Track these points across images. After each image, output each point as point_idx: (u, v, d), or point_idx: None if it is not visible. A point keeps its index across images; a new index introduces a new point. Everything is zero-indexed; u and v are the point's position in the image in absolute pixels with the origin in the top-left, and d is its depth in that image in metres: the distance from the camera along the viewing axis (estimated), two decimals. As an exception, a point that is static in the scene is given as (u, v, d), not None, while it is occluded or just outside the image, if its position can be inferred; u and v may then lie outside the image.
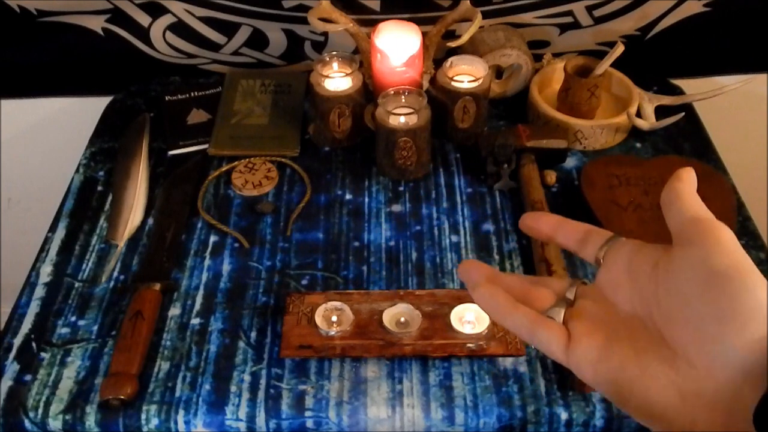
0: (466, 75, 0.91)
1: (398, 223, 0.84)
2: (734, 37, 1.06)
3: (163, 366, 0.70)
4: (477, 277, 0.42)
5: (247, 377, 0.69)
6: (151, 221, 0.86)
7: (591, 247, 0.41)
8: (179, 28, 1.02)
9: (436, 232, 0.83)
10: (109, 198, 0.89)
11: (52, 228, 0.85)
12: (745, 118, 1.18)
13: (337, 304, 0.72)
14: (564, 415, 0.65)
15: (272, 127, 0.97)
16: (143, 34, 1.03)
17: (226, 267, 0.80)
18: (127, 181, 0.89)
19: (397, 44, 0.88)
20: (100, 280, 0.79)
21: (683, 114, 0.93)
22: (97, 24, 1.02)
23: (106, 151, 0.96)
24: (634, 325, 0.37)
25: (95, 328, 0.74)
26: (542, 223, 0.43)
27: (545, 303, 0.40)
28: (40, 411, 0.66)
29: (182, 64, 1.08)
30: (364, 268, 0.79)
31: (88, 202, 0.89)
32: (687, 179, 0.39)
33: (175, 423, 0.66)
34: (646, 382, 0.34)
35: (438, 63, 0.94)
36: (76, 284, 0.79)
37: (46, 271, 0.80)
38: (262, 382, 0.68)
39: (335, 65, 0.92)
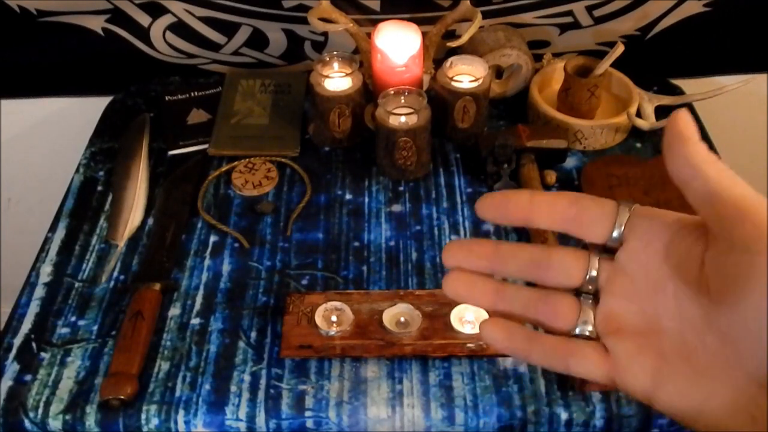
0: (466, 75, 0.91)
1: (398, 223, 0.84)
2: (734, 37, 1.06)
3: (163, 366, 0.70)
4: (479, 300, 0.35)
5: (247, 377, 0.69)
6: (151, 221, 0.86)
7: (594, 225, 0.33)
8: (179, 28, 1.02)
9: (436, 232, 0.83)
10: (109, 198, 0.89)
11: (52, 228, 0.85)
12: (745, 118, 1.18)
13: (337, 304, 0.72)
14: (564, 415, 0.65)
15: (272, 127, 0.97)
16: (143, 34, 1.03)
17: (226, 267, 0.80)
18: (127, 181, 0.89)
19: (397, 44, 0.88)
20: (100, 280, 0.79)
21: (683, 114, 0.93)
22: (97, 24, 1.02)
23: (106, 151, 0.96)
24: (686, 335, 0.30)
25: (95, 328, 0.74)
26: (510, 208, 0.34)
27: (568, 316, 0.34)
28: (40, 411, 0.66)
29: (182, 64, 1.08)
30: (364, 268, 0.79)
31: (88, 202, 0.89)
32: (689, 129, 0.30)
33: (175, 423, 0.66)
34: (713, 408, 0.30)
35: (438, 63, 0.93)
36: (76, 284, 0.79)
37: (46, 271, 0.80)
38: (262, 382, 0.68)
39: (335, 65, 0.92)
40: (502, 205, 0.34)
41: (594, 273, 0.33)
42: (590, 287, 0.34)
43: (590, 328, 0.33)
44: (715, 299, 0.29)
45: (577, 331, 0.33)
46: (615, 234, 0.32)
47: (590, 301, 0.34)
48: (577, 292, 0.34)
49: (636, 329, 0.32)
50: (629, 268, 0.32)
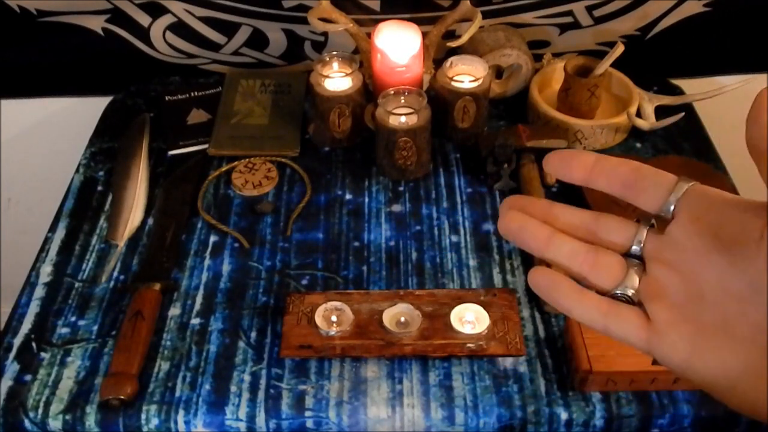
0: (466, 75, 0.91)
1: (398, 223, 0.84)
2: (734, 37, 1.06)
3: (163, 366, 0.70)
4: (529, 241, 0.35)
5: (247, 377, 0.69)
6: (151, 221, 0.86)
7: (650, 193, 0.33)
8: (179, 28, 1.02)
9: (436, 232, 0.83)
10: (109, 198, 0.89)
11: (52, 228, 0.85)
12: (745, 118, 1.17)
13: (337, 304, 0.72)
14: (564, 415, 0.65)
15: (272, 127, 0.97)
16: (143, 34, 1.03)
17: (226, 267, 0.80)
18: (127, 181, 0.89)
19: (397, 44, 0.88)
20: (100, 280, 0.79)
21: (683, 114, 0.93)
22: (97, 24, 1.02)
23: (106, 151, 0.96)
24: (728, 308, 0.31)
25: (95, 328, 0.74)
26: (574, 166, 0.35)
27: (613, 273, 0.34)
28: (40, 411, 0.66)
29: (182, 64, 1.08)
30: (364, 268, 0.79)
31: (88, 202, 0.89)
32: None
33: (175, 423, 0.66)
34: (751, 382, 0.30)
35: (438, 63, 0.93)
36: (76, 284, 0.79)
37: (46, 271, 0.80)
38: (262, 382, 0.68)
39: (335, 65, 0.92)
40: (566, 162, 0.35)
41: (641, 241, 0.34)
42: (636, 254, 0.34)
43: (632, 291, 0.34)
44: None
45: (619, 291, 0.34)
46: (669, 205, 0.33)
47: (635, 267, 0.34)
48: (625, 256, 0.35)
49: (678, 298, 0.32)
50: (678, 240, 0.33)
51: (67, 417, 0.66)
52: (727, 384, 0.31)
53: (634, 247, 0.34)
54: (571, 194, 0.86)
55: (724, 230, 0.31)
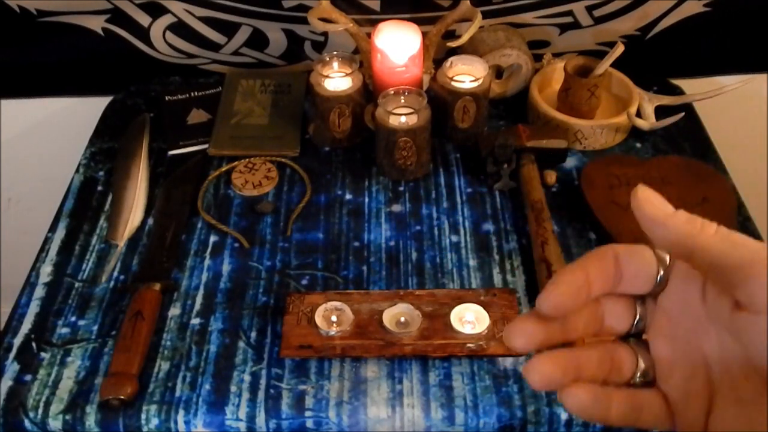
0: (466, 75, 0.91)
1: (398, 223, 0.84)
2: (734, 37, 1.06)
3: (163, 366, 0.70)
4: (560, 376, 0.33)
5: (247, 377, 0.69)
6: (151, 221, 0.86)
7: (639, 278, 0.33)
8: (179, 28, 1.02)
9: (436, 232, 0.83)
10: (109, 198, 0.89)
11: (52, 228, 0.85)
12: (745, 118, 1.18)
13: (337, 304, 0.72)
14: (564, 415, 0.65)
15: (272, 127, 0.97)
16: (143, 34, 1.03)
17: (226, 267, 0.80)
18: (127, 181, 0.89)
19: (397, 44, 0.88)
20: (100, 280, 0.79)
21: (683, 114, 0.93)
22: (97, 24, 1.02)
23: (106, 151, 0.96)
24: (731, 370, 0.31)
25: (95, 328, 0.74)
26: (570, 301, 0.32)
27: (627, 364, 0.34)
28: (40, 411, 0.66)
29: (182, 64, 1.08)
30: (364, 268, 0.79)
31: (88, 202, 0.89)
32: (651, 201, 0.32)
33: (175, 423, 0.66)
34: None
35: (438, 63, 0.93)
36: (76, 284, 0.79)
37: (46, 271, 0.80)
38: (262, 382, 0.68)
39: (335, 65, 0.92)
40: (565, 303, 0.32)
41: (639, 318, 0.34)
42: (638, 330, 0.34)
43: (650, 374, 0.33)
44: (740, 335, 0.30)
45: (637, 379, 0.33)
46: (658, 280, 0.32)
47: (643, 348, 0.34)
48: (625, 337, 0.34)
49: (686, 369, 0.32)
50: (671, 310, 0.33)
51: (67, 417, 0.66)
52: None
53: (635, 324, 0.34)
54: (570, 194, 0.86)
55: (707, 298, 0.31)
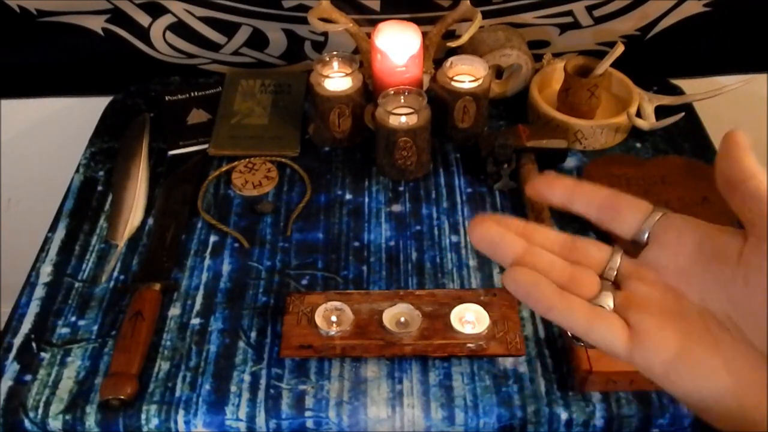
0: (466, 75, 0.91)
1: (398, 223, 0.84)
2: (734, 37, 1.06)
3: (163, 366, 0.70)
4: (506, 249, 0.35)
5: (247, 377, 0.69)
6: (151, 221, 0.86)
7: (627, 218, 0.34)
8: (179, 28, 1.03)
9: (436, 232, 0.83)
10: (109, 198, 0.89)
11: (52, 228, 0.85)
12: (745, 118, 1.18)
13: (337, 304, 0.72)
14: (564, 415, 0.65)
15: (272, 127, 0.97)
16: (143, 34, 1.03)
17: (226, 267, 0.80)
18: (127, 181, 0.89)
19: (397, 44, 0.88)
20: (100, 280, 0.79)
21: (683, 114, 0.93)
22: (97, 24, 1.02)
23: (106, 151, 0.96)
24: (711, 321, 0.32)
25: (95, 328, 0.74)
26: (556, 188, 0.36)
27: (590, 286, 0.34)
28: (40, 411, 0.66)
29: (182, 64, 1.08)
30: (364, 268, 0.79)
31: (88, 202, 0.89)
32: (744, 145, 0.33)
33: (175, 423, 0.66)
34: (739, 396, 0.30)
35: (438, 63, 0.94)
36: (76, 284, 0.79)
37: (46, 271, 0.80)
38: (262, 382, 0.68)
39: (335, 65, 0.92)
40: (549, 185, 0.36)
41: (617, 262, 0.35)
42: (610, 278, 0.35)
43: (610, 303, 0.34)
44: (749, 283, 0.31)
45: (597, 301, 0.34)
46: (645, 230, 0.34)
47: (610, 284, 0.35)
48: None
49: (661, 309, 0.33)
50: (655, 262, 0.34)
51: (67, 417, 0.66)
52: (711, 396, 0.31)
53: (609, 269, 0.35)
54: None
55: (707, 248, 0.32)
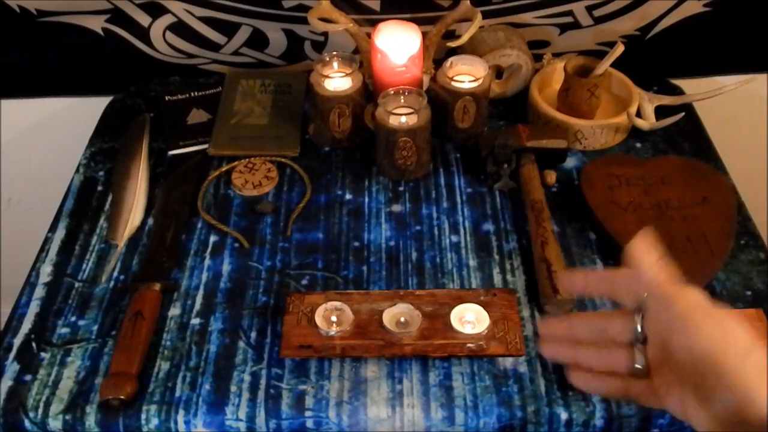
0: (466, 75, 0.91)
1: (398, 223, 0.84)
2: (734, 37, 1.06)
3: (163, 366, 0.70)
4: (568, 361, 0.51)
5: (247, 377, 0.69)
6: (151, 221, 0.86)
7: (627, 297, 0.47)
8: (179, 28, 1.03)
9: (436, 232, 0.83)
10: (109, 198, 0.89)
11: (52, 228, 0.85)
12: (745, 118, 1.18)
13: (337, 304, 0.72)
14: (564, 415, 0.65)
15: (272, 127, 0.97)
16: (143, 34, 1.03)
17: (226, 267, 0.80)
18: (127, 181, 0.89)
19: (397, 44, 0.88)
20: (100, 280, 0.79)
21: (683, 114, 0.93)
22: (97, 24, 1.02)
23: (106, 151, 0.96)
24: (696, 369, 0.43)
25: (95, 328, 0.74)
26: (575, 282, 0.51)
27: (624, 362, 0.47)
28: (40, 411, 0.66)
29: (182, 64, 1.08)
30: (364, 268, 0.79)
31: (88, 202, 0.89)
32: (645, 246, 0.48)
33: (175, 423, 0.66)
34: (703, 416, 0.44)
35: (438, 63, 0.94)
36: (76, 284, 0.79)
37: (46, 271, 0.80)
38: (262, 382, 0.68)
39: (335, 65, 0.92)
40: (570, 281, 0.52)
41: (638, 324, 0.47)
42: (640, 338, 0.47)
43: (642, 362, 0.47)
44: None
45: (636, 363, 0.47)
46: (641, 308, 0.47)
47: (640, 346, 0.47)
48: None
49: (671, 367, 0.45)
50: (651, 323, 0.46)
51: (67, 417, 0.66)
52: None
53: (636, 332, 0.47)
54: (570, 195, 0.86)
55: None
